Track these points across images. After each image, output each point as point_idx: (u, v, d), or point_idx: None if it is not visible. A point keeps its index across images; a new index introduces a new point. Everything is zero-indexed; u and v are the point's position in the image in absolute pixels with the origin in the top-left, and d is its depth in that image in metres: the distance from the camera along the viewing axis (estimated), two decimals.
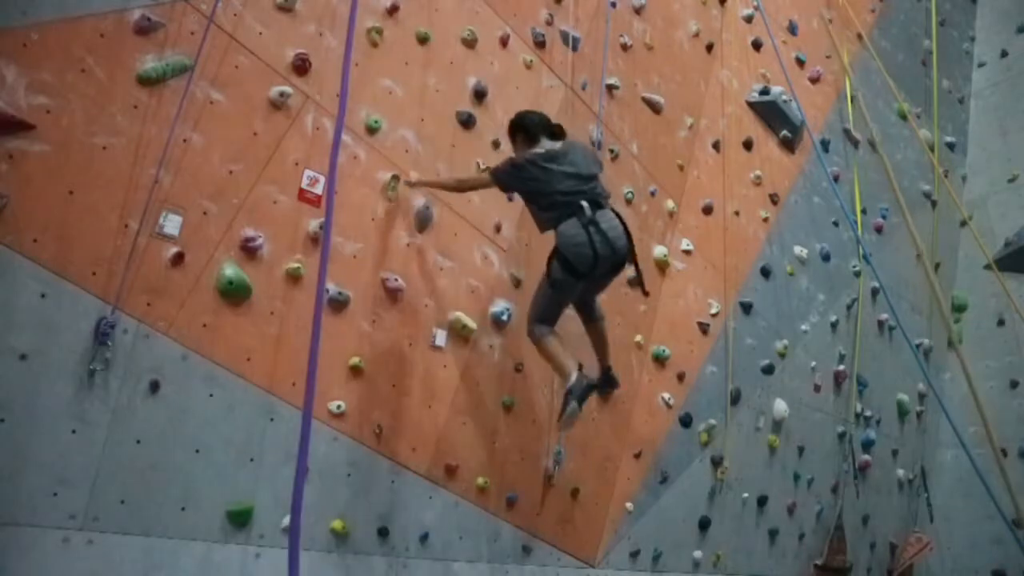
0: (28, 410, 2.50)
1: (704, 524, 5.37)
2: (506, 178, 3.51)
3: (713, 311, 5.77)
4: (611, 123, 5.20)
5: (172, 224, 2.93)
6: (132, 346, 2.77)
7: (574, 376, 3.32)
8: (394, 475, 3.55)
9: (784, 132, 6.87)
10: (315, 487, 3.20)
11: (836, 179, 7.15)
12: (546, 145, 3.50)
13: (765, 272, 6.39)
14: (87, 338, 2.65)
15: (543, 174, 3.38)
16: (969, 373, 4.71)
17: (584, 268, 3.32)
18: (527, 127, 3.58)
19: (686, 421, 5.37)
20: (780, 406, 6.24)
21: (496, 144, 4.34)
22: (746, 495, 5.79)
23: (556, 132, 3.59)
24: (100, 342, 2.66)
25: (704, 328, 5.67)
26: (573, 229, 3.31)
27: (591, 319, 3.74)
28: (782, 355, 6.38)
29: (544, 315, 3.50)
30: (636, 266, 3.53)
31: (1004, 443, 7.38)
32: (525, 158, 3.44)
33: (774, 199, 6.68)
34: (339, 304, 3.45)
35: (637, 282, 3.92)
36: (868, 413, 7.29)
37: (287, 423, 3.13)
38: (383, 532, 3.47)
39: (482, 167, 4.22)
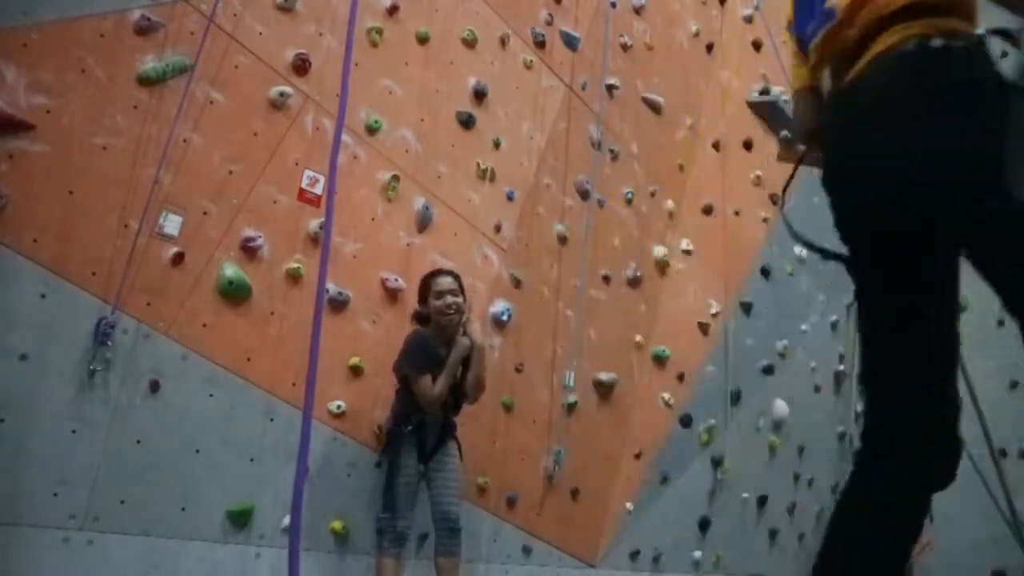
0: (28, 410, 2.50)
1: (704, 524, 5.37)
2: None
3: (713, 311, 5.77)
4: (611, 123, 5.20)
5: (172, 224, 2.93)
6: (132, 346, 2.76)
7: None
8: None
9: (784, 132, 6.85)
10: (315, 487, 3.19)
11: None
12: None
13: (765, 272, 6.38)
14: (87, 338, 2.65)
15: None
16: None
17: None
18: None
19: (686, 421, 5.36)
20: (780, 406, 6.23)
21: (496, 144, 4.34)
22: (746, 495, 5.79)
23: None
24: (100, 342, 2.65)
25: (704, 328, 5.67)
26: None
27: None
28: (782, 355, 6.37)
29: None
30: None
31: (1004, 443, 7.36)
32: None
33: (774, 199, 6.68)
34: (339, 304, 3.45)
35: None
36: None
37: (287, 423, 3.12)
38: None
39: (482, 167, 4.22)
